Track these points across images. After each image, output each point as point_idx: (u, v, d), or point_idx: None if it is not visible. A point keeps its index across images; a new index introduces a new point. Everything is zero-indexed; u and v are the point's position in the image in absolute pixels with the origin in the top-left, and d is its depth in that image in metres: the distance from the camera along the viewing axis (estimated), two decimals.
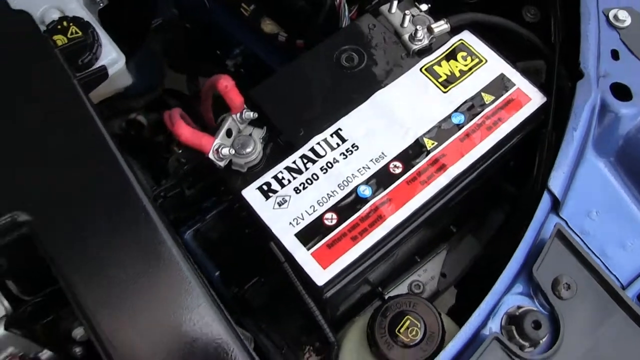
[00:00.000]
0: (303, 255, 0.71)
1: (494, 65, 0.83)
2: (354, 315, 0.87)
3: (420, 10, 0.87)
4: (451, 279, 0.94)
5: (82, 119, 0.71)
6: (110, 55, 0.84)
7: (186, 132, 0.74)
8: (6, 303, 0.81)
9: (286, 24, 1.20)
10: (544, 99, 0.80)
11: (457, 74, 0.82)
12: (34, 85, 0.72)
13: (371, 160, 0.77)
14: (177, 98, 1.23)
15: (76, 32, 0.82)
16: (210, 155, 0.75)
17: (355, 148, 0.77)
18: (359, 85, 0.82)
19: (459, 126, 0.78)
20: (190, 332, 0.61)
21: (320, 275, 0.70)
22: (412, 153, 0.77)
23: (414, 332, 0.71)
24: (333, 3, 0.94)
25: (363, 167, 0.76)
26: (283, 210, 0.74)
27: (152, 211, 0.66)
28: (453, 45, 0.84)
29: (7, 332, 0.79)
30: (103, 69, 0.83)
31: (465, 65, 0.83)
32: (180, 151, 0.82)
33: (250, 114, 0.78)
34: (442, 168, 0.75)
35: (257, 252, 0.79)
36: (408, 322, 0.71)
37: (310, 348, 0.86)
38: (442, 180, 0.75)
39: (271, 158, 0.78)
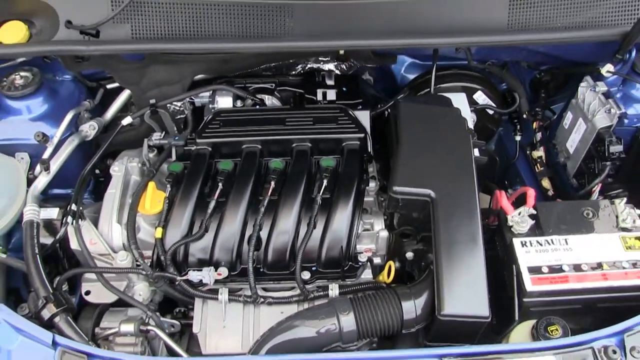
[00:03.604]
0: (527, 275, 1.58)
1: None
2: None
3: (636, 211, 1.70)
4: None
5: (467, 157, 1.67)
6: None
7: (505, 202, 1.67)
8: (383, 228, 1.77)
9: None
10: None
11: (636, 248, 1.64)
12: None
13: (575, 257, 1.61)
14: None
15: None
16: (509, 216, 1.66)
17: (570, 250, 1.63)
18: (579, 226, 1.68)
19: (624, 267, 1.59)
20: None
21: (529, 285, 1.56)
22: (595, 264, 1.60)
23: (556, 332, 1.52)
24: None
25: (568, 257, 1.61)
26: (527, 254, 1.61)
27: (479, 221, 1.58)
28: None
29: (386, 235, 1.74)
30: None
31: None
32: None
33: (534, 211, 1.67)
34: (604, 277, 1.57)
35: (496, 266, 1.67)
36: (556, 326, 1.52)
37: None
38: (601, 284, 1.57)
39: (528, 234, 1.67)
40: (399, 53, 2.27)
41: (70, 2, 1.89)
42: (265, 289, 1.71)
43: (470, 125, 1.94)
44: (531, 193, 1.69)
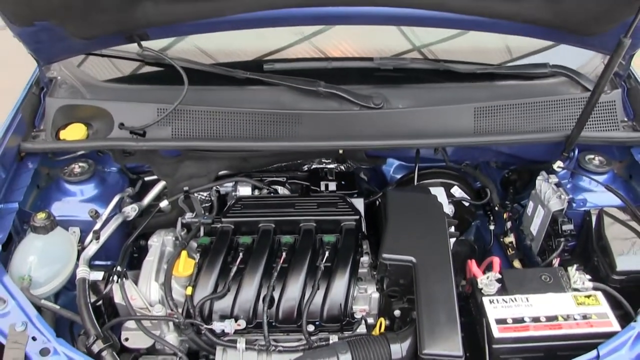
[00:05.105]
0: (495, 325, 1.90)
1: (601, 309, 1.96)
2: None
3: (586, 275, 2.05)
4: None
5: (442, 231, 2.05)
6: None
7: (475, 268, 2.02)
8: (375, 291, 2.11)
9: None
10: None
11: (586, 304, 1.97)
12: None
13: (535, 311, 1.94)
14: None
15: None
16: (479, 280, 2.01)
17: (531, 306, 1.96)
18: (538, 287, 2.02)
19: (576, 319, 1.92)
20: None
21: (497, 333, 1.88)
22: (552, 316, 1.93)
23: None
24: None
25: (529, 311, 1.94)
26: (495, 309, 1.95)
27: (452, 280, 1.93)
28: (590, 294, 2.00)
29: (378, 296, 2.08)
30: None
31: (589, 305, 1.98)
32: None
33: (499, 276, 2.03)
34: (559, 327, 1.90)
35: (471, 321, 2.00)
36: None
37: None
38: (556, 332, 1.89)
39: (496, 294, 2.01)
40: (388, 155, 2.73)
41: (124, 109, 2.39)
42: (276, 340, 2.02)
43: (448, 212, 2.34)
44: (496, 260, 2.06)
